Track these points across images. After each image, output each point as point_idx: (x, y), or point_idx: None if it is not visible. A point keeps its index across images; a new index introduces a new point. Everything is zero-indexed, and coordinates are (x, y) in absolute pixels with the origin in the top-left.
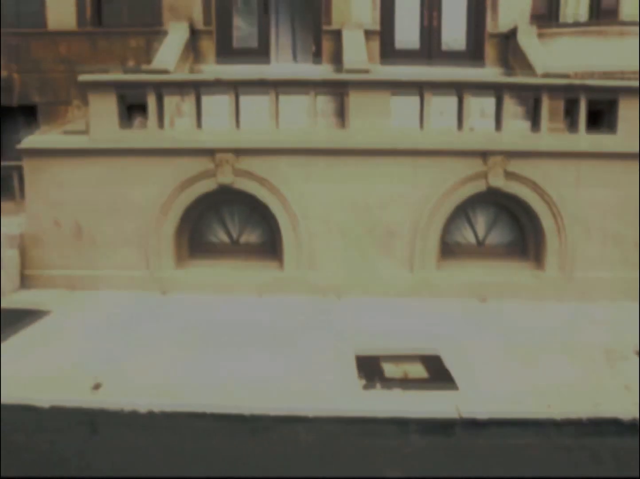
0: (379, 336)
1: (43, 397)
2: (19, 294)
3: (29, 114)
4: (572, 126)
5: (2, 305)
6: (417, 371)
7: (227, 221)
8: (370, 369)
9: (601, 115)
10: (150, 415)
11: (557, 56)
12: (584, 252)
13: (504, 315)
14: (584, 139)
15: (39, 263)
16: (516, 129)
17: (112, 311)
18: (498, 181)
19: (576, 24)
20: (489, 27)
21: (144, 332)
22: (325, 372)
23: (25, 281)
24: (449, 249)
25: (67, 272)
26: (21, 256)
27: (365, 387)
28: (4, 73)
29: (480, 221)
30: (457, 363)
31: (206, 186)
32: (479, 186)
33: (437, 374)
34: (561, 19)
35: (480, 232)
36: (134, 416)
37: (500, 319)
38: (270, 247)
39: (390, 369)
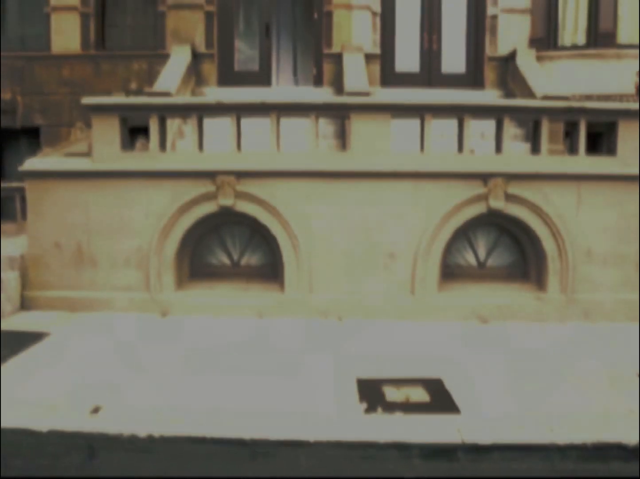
0: (380, 359)
1: (41, 421)
2: (19, 316)
3: (32, 136)
4: (572, 148)
5: (1, 327)
6: (419, 394)
7: (228, 243)
8: (371, 392)
9: (601, 137)
10: (150, 439)
11: (556, 79)
12: (585, 274)
13: (506, 337)
14: (584, 161)
15: (39, 285)
16: (516, 151)
17: (111, 333)
18: (498, 203)
19: (574, 47)
20: (489, 50)
21: (143, 355)
22: (326, 395)
23: (25, 303)
24: (450, 272)
25: (67, 293)
26: (21, 277)
27: (367, 411)
28: (8, 95)
29: (481, 243)
30: (459, 386)
31: (207, 208)
32: (480, 208)
33: (439, 397)
34: (560, 43)
35: (481, 254)
36: (133, 440)
37: (502, 341)
38: (271, 269)
39: (391, 393)
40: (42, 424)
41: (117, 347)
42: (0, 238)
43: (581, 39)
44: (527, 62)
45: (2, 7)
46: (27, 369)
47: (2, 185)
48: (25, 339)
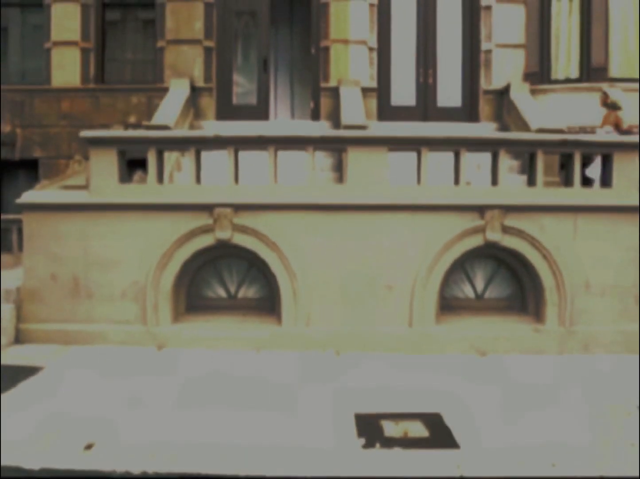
0: (378, 393)
1: (33, 458)
2: (13, 349)
3: (30, 168)
4: (568, 179)
5: None
6: (417, 429)
7: (225, 276)
8: (369, 427)
9: None
10: (144, 477)
11: (550, 112)
12: (583, 305)
13: (505, 370)
14: (580, 193)
15: (34, 317)
16: (512, 183)
17: (106, 367)
18: (495, 235)
19: (568, 81)
20: (483, 84)
21: (138, 390)
22: (324, 431)
23: (20, 336)
24: (447, 304)
25: (62, 326)
26: (17, 310)
27: (365, 446)
28: (8, 128)
29: (479, 275)
30: (458, 421)
31: (204, 241)
32: (477, 240)
33: (438, 432)
34: (553, 76)
35: (479, 286)
36: (126, 478)
37: (501, 374)
38: (269, 302)
39: (390, 428)
40: (33, 462)
41: (111, 381)
42: None
43: (574, 72)
44: (521, 96)
45: (4, 41)
46: (19, 404)
47: (0, 217)
48: (19, 374)
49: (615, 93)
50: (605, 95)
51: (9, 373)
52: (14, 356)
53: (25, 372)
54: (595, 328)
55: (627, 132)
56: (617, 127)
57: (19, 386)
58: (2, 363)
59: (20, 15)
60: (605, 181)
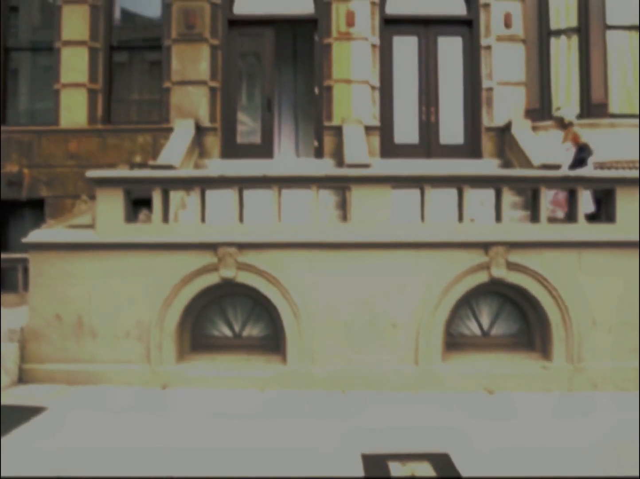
0: (385, 433)
1: None
2: (16, 389)
3: (37, 207)
4: (571, 215)
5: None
6: (425, 470)
7: (230, 314)
8: (376, 468)
9: (599, 203)
10: None
11: (551, 148)
12: (590, 342)
13: (513, 408)
14: (584, 229)
15: (38, 357)
16: (516, 220)
17: (109, 408)
18: (500, 272)
19: None
20: (485, 121)
21: (141, 432)
22: (330, 472)
23: (23, 376)
24: (453, 341)
25: (66, 366)
26: (21, 349)
27: None
28: (15, 168)
29: (484, 311)
30: (466, 461)
31: (209, 279)
32: (482, 277)
33: (446, 473)
34: (554, 113)
35: (485, 323)
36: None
37: (509, 412)
38: (273, 340)
39: (397, 469)
40: None
41: (114, 423)
42: (0, 309)
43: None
44: (523, 132)
45: (15, 83)
46: (19, 446)
47: (5, 256)
48: (21, 414)
49: (565, 110)
50: (561, 119)
51: (11, 413)
52: (17, 396)
53: (28, 412)
54: (604, 365)
55: (584, 146)
56: (576, 142)
57: (20, 427)
58: (5, 403)
59: (30, 58)
60: (608, 216)
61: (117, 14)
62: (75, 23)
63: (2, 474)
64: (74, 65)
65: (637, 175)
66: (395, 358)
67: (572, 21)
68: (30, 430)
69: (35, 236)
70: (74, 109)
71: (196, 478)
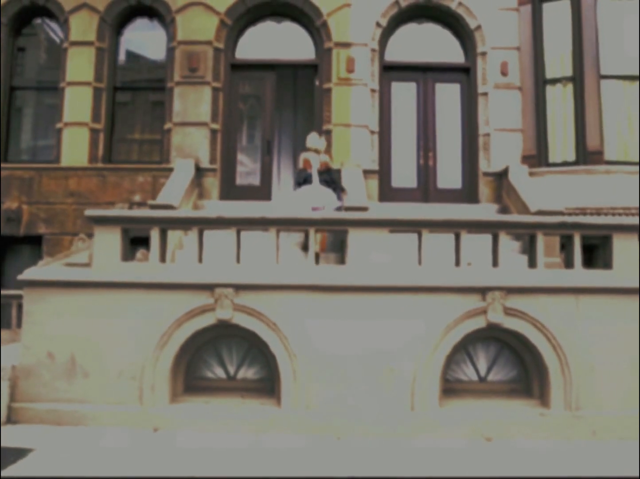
0: None
1: None
2: (4, 430)
3: (34, 244)
4: (568, 261)
5: None
6: None
7: (225, 356)
8: None
9: (597, 248)
10: None
11: (548, 193)
12: (589, 389)
13: (511, 456)
14: (581, 274)
15: (28, 396)
16: (513, 265)
17: (99, 450)
18: (497, 317)
19: (564, 164)
20: (483, 166)
21: (130, 474)
22: None
23: (12, 415)
24: (450, 387)
25: (56, 406)
26: (11, 388)
27: None
28: (15, 205)
29: (482, 357)
30: None
31: (205, 320)
32: (479, 322)
33: None
34: (550, 159)
35: (482, 368)
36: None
37: (507, 461)
38: (268, 384)
39: None
40: None
41: (103, 467)
42: None
43: (570, 156)
44: (520, 178)
45: (18, 121)
46: None
47: (0, 292)
48: (7, 456)
49: (313, 138)
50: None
51: None
52: (4, 437)
53: (14, 455)
54: (603, 413)
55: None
56: (328, 169)
57: (6, 470)
58: None
59: (35, 97)
60: (605, 263)
61: (122, 56)
62: (80, 64)
63: None
64: (78, 104)
65: (635, 222)
66: (392, 403)
67: (567, 70)
68: (17, 472)
69: (30, 273)
70: (75, 148)
71: (205, 478)
